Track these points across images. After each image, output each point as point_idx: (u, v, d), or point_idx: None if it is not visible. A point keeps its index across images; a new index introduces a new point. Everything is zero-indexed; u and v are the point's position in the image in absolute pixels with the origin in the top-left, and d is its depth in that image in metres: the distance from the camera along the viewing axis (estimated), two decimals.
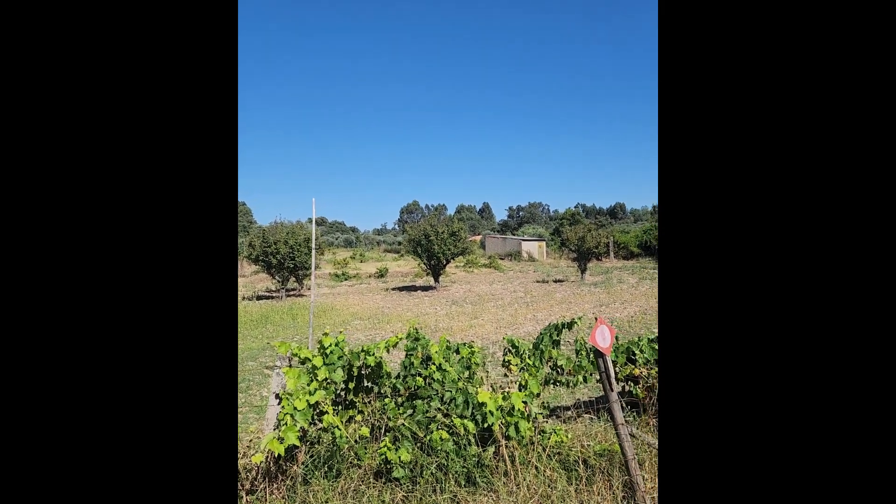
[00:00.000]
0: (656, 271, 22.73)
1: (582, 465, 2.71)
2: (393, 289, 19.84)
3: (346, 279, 23.85)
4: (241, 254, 20.81)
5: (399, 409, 2.92)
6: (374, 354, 2.88)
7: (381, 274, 24.50)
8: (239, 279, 23.18)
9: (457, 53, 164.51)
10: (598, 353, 2.71)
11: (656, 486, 2.61)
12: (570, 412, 4.24)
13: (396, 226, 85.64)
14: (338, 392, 2.97)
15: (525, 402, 2.64)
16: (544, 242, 38.84)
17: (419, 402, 2.87)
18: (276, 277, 17.83)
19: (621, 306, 13.27)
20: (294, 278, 18.25)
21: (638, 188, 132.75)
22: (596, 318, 2.76)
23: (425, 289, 19.26)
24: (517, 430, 2.59)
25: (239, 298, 17.09)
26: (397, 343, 2.98)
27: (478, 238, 46.82)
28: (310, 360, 2.75)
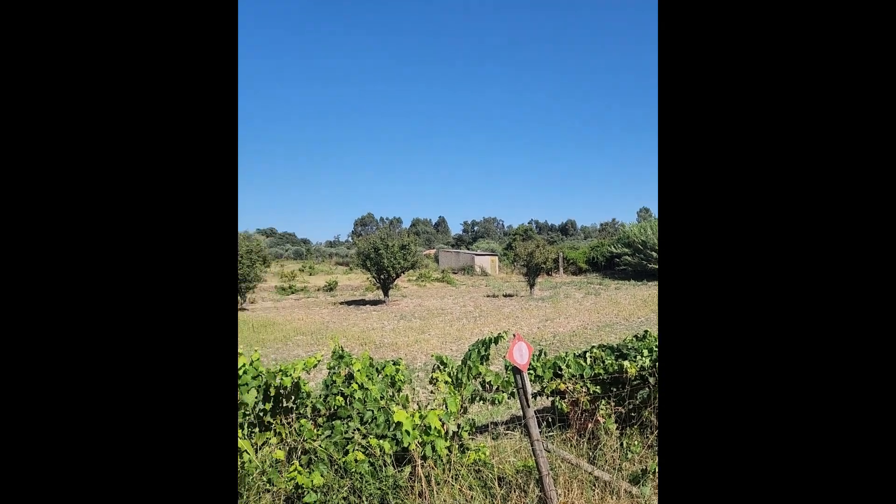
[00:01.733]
0: (601, 286, 23.62)
1: (499, 483, 2.72)
2: (341, 303, 19.44)
3: (292, 292, 23.12)
4: None
5: (318, 430, 2.83)
6: (290, 375, 2.79)
7: (331, 287, 23.95)
8: None
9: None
10: (516, 370, 2.75)
11: (569, 501, 2.67)
12: (500, 428, 4.27)
13: (350, 238, 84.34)
14: (255, 414, 2.85)
15: (442, 421, 2.63)
16: (497, 257, 39.47)
17: (338, 422, 2.80)
18: None
19: (565, 321, 13.64)
20: None
21: (589, 206, 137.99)
22: (514, 335, 2.81)
23: (374, 303, 19.00)
24: (433, 449, 2.57)
25: None
26: (317, 364, 2.90)
27: (432, 252, 46.90)
28: None
